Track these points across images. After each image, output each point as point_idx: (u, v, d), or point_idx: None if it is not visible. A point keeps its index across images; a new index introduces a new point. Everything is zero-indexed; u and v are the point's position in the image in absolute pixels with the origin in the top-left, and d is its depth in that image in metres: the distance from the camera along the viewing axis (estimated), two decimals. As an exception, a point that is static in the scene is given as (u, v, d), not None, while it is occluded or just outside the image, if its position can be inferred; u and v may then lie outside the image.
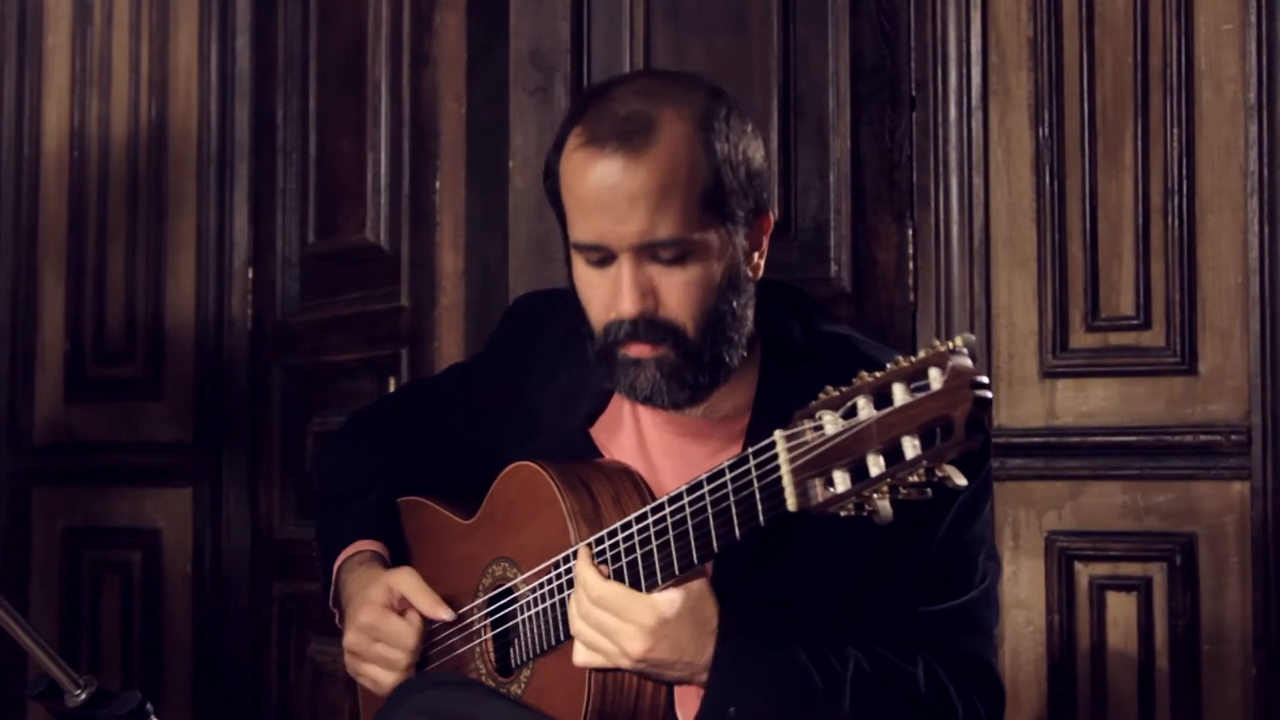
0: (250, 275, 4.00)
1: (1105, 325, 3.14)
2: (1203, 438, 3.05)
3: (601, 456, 2.23)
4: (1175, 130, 3.08)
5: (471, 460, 2.35)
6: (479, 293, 3.49)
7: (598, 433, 2.24)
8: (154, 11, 4.10)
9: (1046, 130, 3.17)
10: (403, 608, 2.29)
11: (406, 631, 2.27)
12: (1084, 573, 3.13)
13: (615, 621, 1.96)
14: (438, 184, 3.51)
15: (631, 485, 2.15)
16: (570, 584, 2.08)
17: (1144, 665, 3.09)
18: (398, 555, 2.41)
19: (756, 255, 2.13)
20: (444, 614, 2.27)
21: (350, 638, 2.31)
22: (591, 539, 2.05)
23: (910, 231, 3.28)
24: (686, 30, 3.35)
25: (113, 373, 4.13)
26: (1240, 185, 3.03)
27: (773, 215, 2.15)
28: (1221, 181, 3.05)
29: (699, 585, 1.98)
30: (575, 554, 2.08)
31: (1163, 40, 3.10)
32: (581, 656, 2.01)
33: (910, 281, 3.27)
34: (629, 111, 2.05)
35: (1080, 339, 3.15)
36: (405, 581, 2.30)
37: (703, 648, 1.96)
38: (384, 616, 2.28)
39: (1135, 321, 3.12)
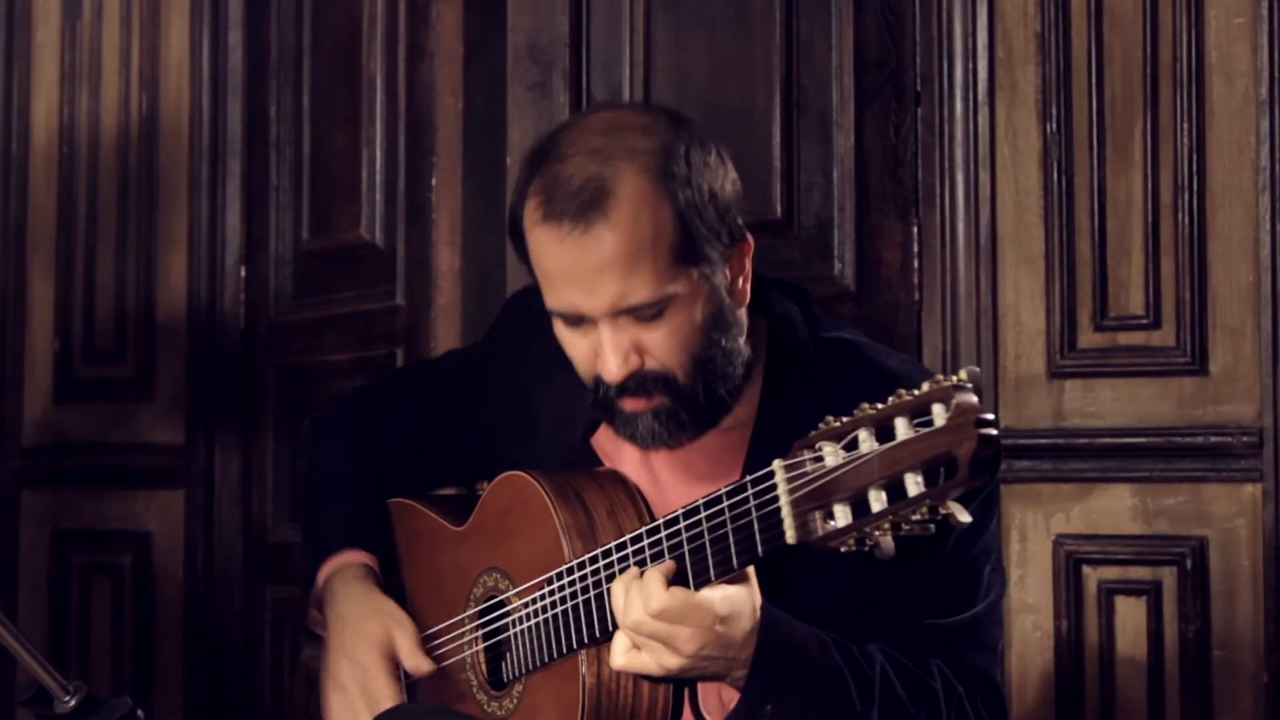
0: (243, 273, 3.98)
1: (1114, 324, 3.12)
2: (1214, 439, 3.04)
3: (602, 465, 2.20)
4: (1185, 126, 3.07)
5: (468, 455, 2.34)
6: (476, 292, 3.48)
7: (600, 441, 2.22)
8: (145, 5, 4.09)
9: (1054, 126, 3.16)
10: (395, 656, 2.26)
11: (390, 696, 2.22)
12: (1092, 577, 3.12)
13: (672, 627, 1.92)
14: (434, 181, 3.50)
15: (627, 497, 2.13)
16: (568, 599, 2.06)
17: (1153, 671, 3.07)
18: (386, 564, 2.37)
19: (741, 280, 2.09)
20: (424, 670, 2.24)
21: (344, 668, 2.26)
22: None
23: (915, 229, 3.27)
24: (687, 23, 3.34)
25: (103, 373, 4.11)
26: (1252, 181, 3.02)
27: (751, 239, 2.10)
28: (1232, 178, 3.04)
29: (751, 584, 1.95)
30: (568, 570, 2.06)
31: (1173, 34, 3.08)
32: (621, 660, 1.97)
33: (915, 280, 3.26)
34: (582, 179, 2.01)
35: (1088, 338, 3.14)
36: (401, 634, 2.25)
37: (746, 642, 1.94)
38: (380, 668, 2.24)
39: (1145, 320, 3.10)
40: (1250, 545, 3.00)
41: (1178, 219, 3.06)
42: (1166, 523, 3.07)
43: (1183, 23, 3.07)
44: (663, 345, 2.03)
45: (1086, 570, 3.12)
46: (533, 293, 2.37)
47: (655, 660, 1.94)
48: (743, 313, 2.09)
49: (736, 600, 1.93)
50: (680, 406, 2.05)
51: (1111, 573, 3.10)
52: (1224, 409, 3.03)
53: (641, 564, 1.97)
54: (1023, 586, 3.14)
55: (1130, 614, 3.08)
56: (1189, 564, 3.04)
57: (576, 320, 2.05)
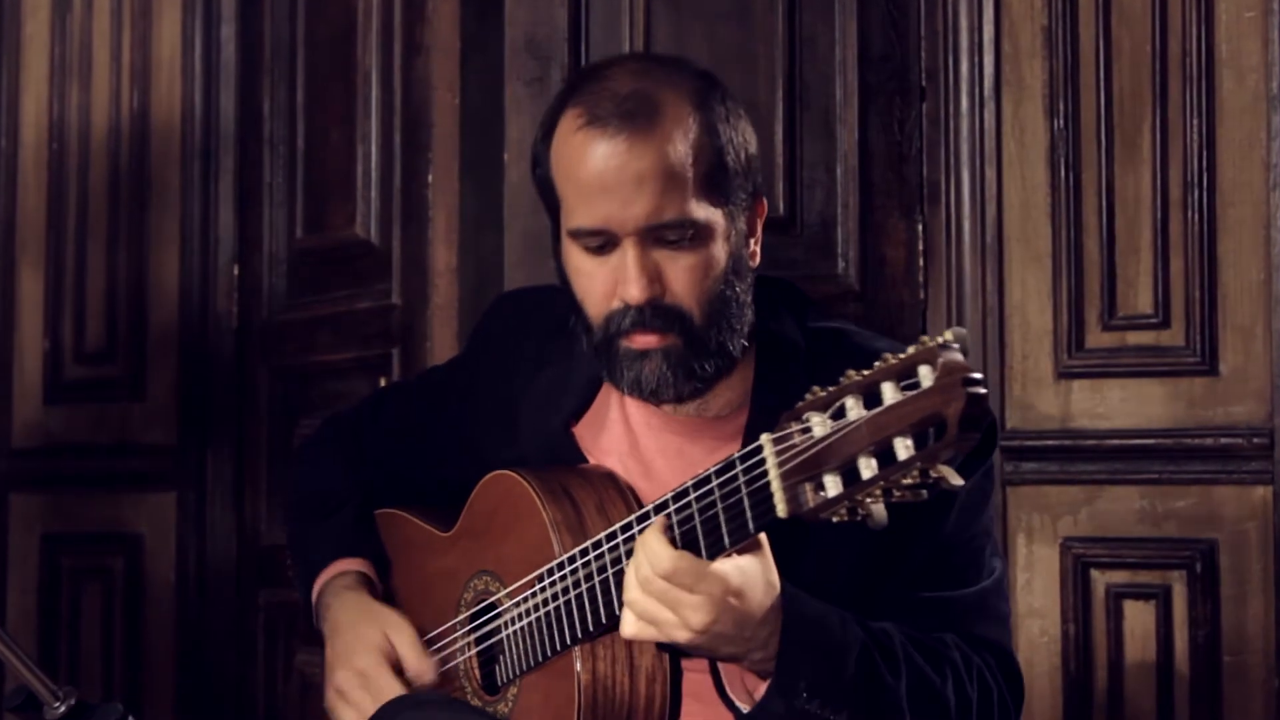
0: (236, 272, 3.97)
1: (1122, 324, 3.11)
2: (1224, 440, 3.03)
3: (584, 456, 2.19)
4: (1195, 121, 3.06)
5: (454, 466, 2.31)
6: (473, 290, 3.45)
7: (581, 431, 2.20)
8: (136, -1, 4.11)
9: (1061, 122, 3.15)
10: (396, 660, 2.24)
11: (395, 690, 2.20)
12: (1100, 581, 3.11)
13: (681, 593, 1.88)
14: (430, 177, 3.48)
15: (615, 491, 2.11)
16: (559, 595, 2.04)
17: (1163, 677, 3.06)
18: (381, 571, 2.37)
19: (753, 241, 2.12)
20: (428, 678, 2.21)
21: (341, 677, 2.24)
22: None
23: (920, 227, 3.26)
24: (688, 17, 3.33)
25: (93, 373, 4.09)
26: (1262, 178, 3.02)
27: (766, 202, 2.14)
28: (1243, 175, 3.03)
29: (766, 554, 1.92)
30: (558, 565, 2.04)
31: (1182, 28, 3.08)
32: (631, 628, 1.92)
33: (920, 279, 3.25)
34: (630, 90, 2.03)
35: (1096, 338, 3.13)
36: (400, 635, 2.24)
37: (764, 620, 1.90)
38: (380, 670, 2.22)
39: (1153, 320, 3.09)
40: (1261, 548, 2.99)
41: (1187, 216, 3.06)
42: (1176, 526, 3.06)
43: (1192, 17, 3.06)
44: (685, 279, 2.03)
45: (1094, 574, 3.11)
46: (517, 296, 2.39)
47: (664, 633, 1.90)
48: (752, 275, 2.11)
49: (749, 571, 1.89)
50: (690, 351, 2.05)
51: (1120, 576, 3.09)
52: (1234, 410, 3.03)
53: (632, 552, 1.94)
54: (1030, 590, 3.13)
55: (1139, 618, 3.07)
56: (1199, 567, 3.03)
57: (600, 245, 2.04)
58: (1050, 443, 3.14)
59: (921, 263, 3.24)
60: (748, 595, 1.88)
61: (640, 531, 1.94)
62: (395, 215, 3.57)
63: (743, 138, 2.08)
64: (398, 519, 2.37)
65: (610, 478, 2.13)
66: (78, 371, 4.11)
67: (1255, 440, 2.99)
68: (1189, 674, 3.03)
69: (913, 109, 3.25)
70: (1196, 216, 3.04)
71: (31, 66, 4.16)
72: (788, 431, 1.78)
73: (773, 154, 3.25)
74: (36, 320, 4.13)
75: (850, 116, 3.27)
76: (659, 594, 1.88)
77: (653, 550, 1.89)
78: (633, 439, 2.17)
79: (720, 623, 1.87)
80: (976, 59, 3.19)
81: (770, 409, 2.03)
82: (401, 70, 3.56)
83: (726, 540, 1.87)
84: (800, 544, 1.98)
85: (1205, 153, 3.04)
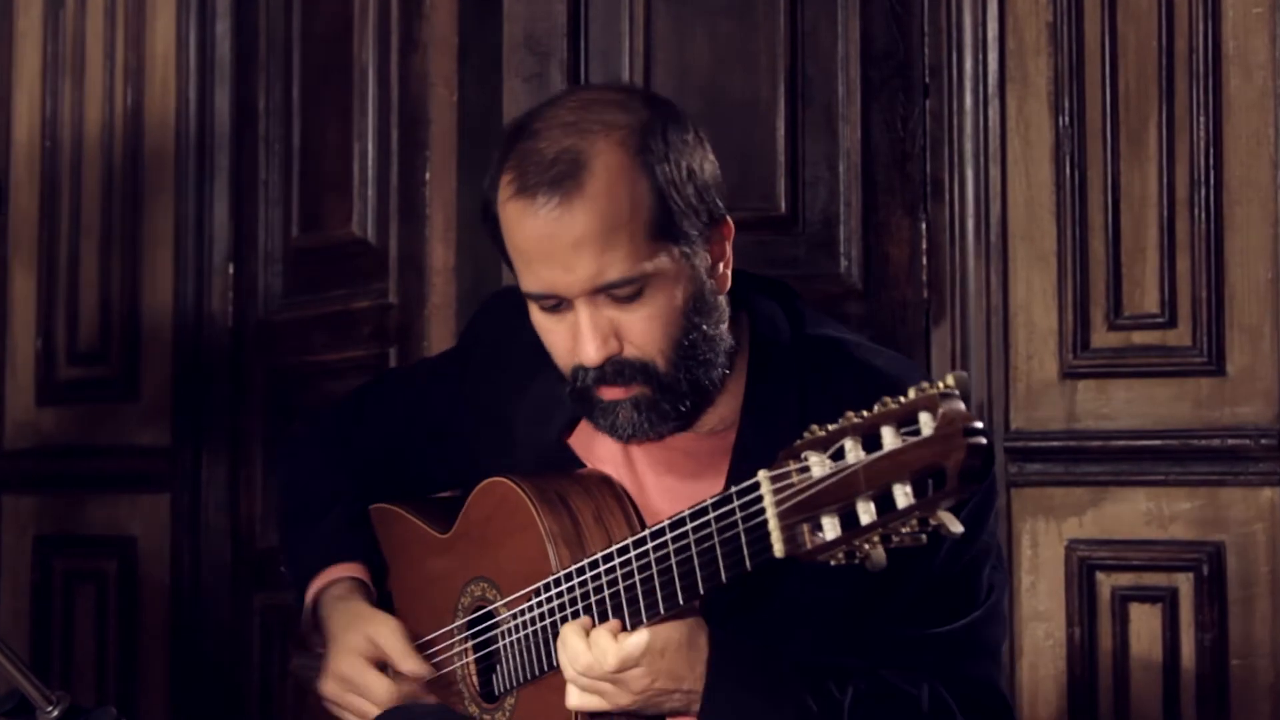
0: (231, 271, 3.96)
1: (1128, 324, 3.10)
2: (1231, 441, 3.02)
3: (581, 466, 2.17)
4: (1202, 119, 3.05)
5: (446, 464, 2.31)
6: (471, 289, 3.45)
7: (574, 443, 2.18)
8: (130, -6, 4.12)
9: (1067, 119, 3.14)
10: (383, 660, 2.23)
11: (382, 688, 2.21)
12: (1106, 583, 3.10)
13: (608, 676, 1.95)
14: (428, 175, 3.48)
15: (614, 499, 2.10)
16: (555, 611, 2.04)
17: (1169, 680, 3.05)
18: (377, 571, 2.35)
19: (721, 265, 2.07)
20: (421, 671, 2.21)
21: (328, 687, 2.26)
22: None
23: (923, 225, 3.25)
24: (689, 13, 3.32)
25: (86, 373, 4.09)
26: (1270, 176, 3.01)
27: (732, 222, 2.08)
28: (1250, 172, 3.02)
29: (690, 613, 1.95)
30: (555, 581, 2.05)
31: (1189, 24, 3.07)
32: (576, 700, 1.98)
33: (923, 278, 3.25)
34: (556, 151, 1.99)
35: (1102, 338, 3.12)
36: (386, 636, 2.23)
37: (700, 674, 1.94)
38: (362, 670, 2.22)
39: (1160, 319, 3.08)
40: (1269, 550, 2.98)
41: (1194, 215, 3.05)
42: (1182, 528, 3.05)
43: (1199, 12, 3.06)
44: (642, 330, 2.00)
45: (1100, 576, 3.10)
46: (509, 295, 2.34)
47: (610, 703, 1.96)
48: (724, 299, 2.07)
49: (675, 634, 1.94)
50: (661, 396, 2.02)
51: (1126, 579, 3.09)
52: (1241, 410, 3.02)
53: (629, 576, 1.95)
54: (1034, 593, 3.13)
55: (1145, 622, 3.06)
56: (1205, 570, 3.02)
57: (554, 304, 2.02)
58: (1055, 444, 3.13)
59: (925, 261, 3.24)
60: (676, 654, 1.93)
61: (637, 554, 1.94)
62: (392, 213, 3.57)
63: (687, 171, 2.01)
64: (395, 515, 2.35)
65: (607, 483, 2.12)
66: (70, 372, 4.11)
67: (1263, 441, 2.98)
68: (1195, 678, 3.02)
69: (916, 106, 3.24)
70: (1203, 215, 3.03)
71: (24, 63, 4.17)
72: (785, 470, 1.76)
73: (774, 151, 3.25)
74: (29, 320, 4.14)
75: (853, 113, 3.26)
76: (588, 686, 1.95)
77: (571, 650, 1.95)
78: (625, 451, 2.15)
79: (658, 680, 1.93)
80: (980, 55, 3.18)
81: (761, 425, 2.03)
82: (399, 67, 3.56)
83: (724, 575, 1.86)
84: (792, 572, 1.94)
85: (1212, 150, 3.03)
